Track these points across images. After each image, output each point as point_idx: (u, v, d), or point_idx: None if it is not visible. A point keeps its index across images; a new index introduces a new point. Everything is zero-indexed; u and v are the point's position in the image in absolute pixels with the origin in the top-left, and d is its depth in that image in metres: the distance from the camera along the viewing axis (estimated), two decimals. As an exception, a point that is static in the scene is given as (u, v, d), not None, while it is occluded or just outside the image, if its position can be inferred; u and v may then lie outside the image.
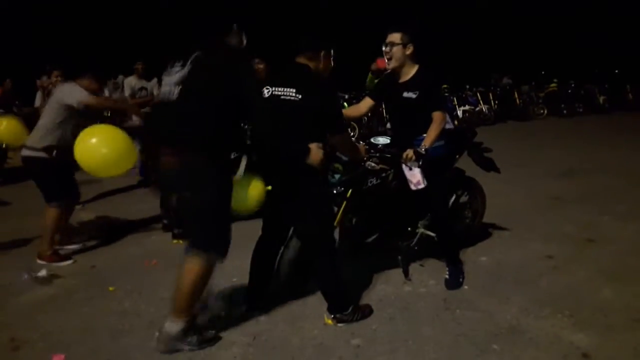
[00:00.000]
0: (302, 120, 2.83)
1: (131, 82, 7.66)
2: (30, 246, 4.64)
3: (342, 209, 3.45)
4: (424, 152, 3.21)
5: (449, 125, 3.64)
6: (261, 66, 5.97)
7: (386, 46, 3.33)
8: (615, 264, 3.86)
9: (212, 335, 2.85)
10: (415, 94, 3.31)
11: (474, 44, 18.93)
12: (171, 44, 2.97)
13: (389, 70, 3.54)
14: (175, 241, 4.63)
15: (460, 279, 3.59)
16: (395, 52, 3.31)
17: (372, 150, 3.60)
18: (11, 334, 3.01)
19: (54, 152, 4.11)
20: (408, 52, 3.33)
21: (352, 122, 8.50)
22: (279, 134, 2.68)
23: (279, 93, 2.88)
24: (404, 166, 3.33)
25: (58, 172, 4.21)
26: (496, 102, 14.70)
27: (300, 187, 2.87)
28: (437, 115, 3.29)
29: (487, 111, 14.05)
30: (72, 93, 4.10)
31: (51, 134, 4.11)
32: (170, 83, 2.64)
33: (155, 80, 7.51)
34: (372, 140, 3.70)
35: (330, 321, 3.06)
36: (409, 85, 3.36)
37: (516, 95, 15.29)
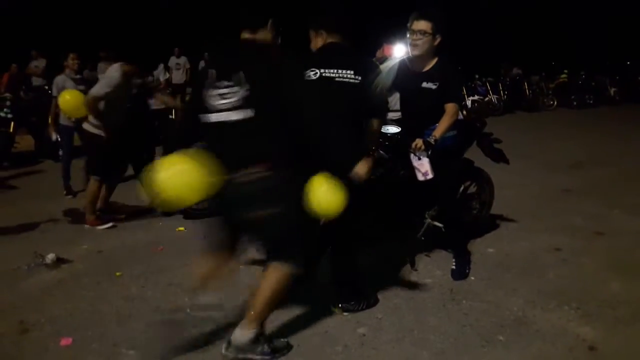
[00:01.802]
0: (358, 105, 2.74)
1: None
2: (37, 230, 4.67)
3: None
4: (433, 143, 3.15)
5: (459, 116, 3.60)
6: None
7: (414, 33, 3.19)
8: (624, 257, 3.83)
9: (284, 345, 2.70)
10: (436, 85, 3.23)
11: (483, 33, 18.75)
12: (204, 46, 2.78)
13: (402, 60, 3.46)
14: (180, 228, 4.65)
15: (467, 270, 3.58)
16: (425, 41, 3.18)
17: (381, 140, 3.57)
18: (20, 317, 3.04)
19: (111, 133, 4.55)
20: (436, 42, 3.23)
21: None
22: (331, 120, 2.42)
23: (333, 75, 2.75)
24: (412, 156, 3.29)
25: (109, 152, 4.63)
26: (505, 92, 14.54)
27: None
28: (450, 107, 3.23)
29: (496, 101, 13.92)
30: (101, 82, 4.51)
31: (107, 115, 4.50)
32: (222, 103, 2.39)
33: (161, 66, 7.48)
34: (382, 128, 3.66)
35: (337, 309, 3.06)
36: (430, 75, 3.27)
37: (526, 86, 15.13)
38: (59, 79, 5.96)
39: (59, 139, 6.49)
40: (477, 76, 14.55)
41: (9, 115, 7.67)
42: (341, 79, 2.74)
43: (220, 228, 2.67)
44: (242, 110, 2.36)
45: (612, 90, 16.26)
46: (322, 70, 2.75)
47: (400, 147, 3.52)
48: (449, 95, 3.25)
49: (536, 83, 15.59)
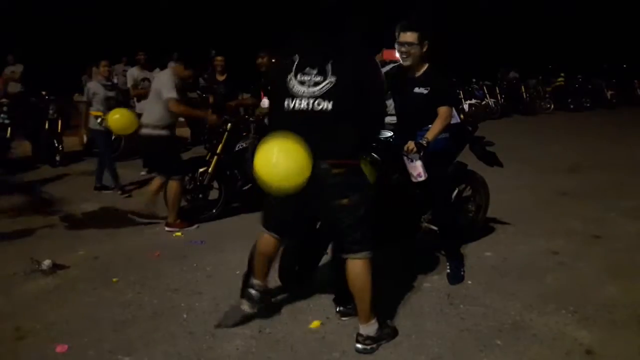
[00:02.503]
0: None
1: (134, 73, 7.66)
2: (34, 236, 4.66)
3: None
4: (425, 145, 3.21)
5: (455, 120, 3.62)
6: (264, 59, 5.98)
7: (402, 45, 3.31)
8: (621, 260, 3.83)
9: (393, 325, 2.92)
10: (427, 89, 3.33)
11: (480, 37, 18.79)
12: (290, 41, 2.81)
13: (396, 65, 3.51)
14: (177, 234, 4.64)
15: (462, 273, 3.58)
16: (414, 52, 3.30)
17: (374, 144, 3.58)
18: (15, 324, 3.02)
19: (173, 130, 4.78)
20: (424, 49, 3.34)
21: None
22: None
23: None
24: (405, 158, 3.32)
25: (176, 148, 4.91)
26: (502, 96, 14.58)
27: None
28: (442, 110, 3.30)
29: (493, 105, 13.95)
30: (165, 84, 4.63)
31: (166, 113, 4.64)
32: (309, 91, 2.55)
33: (157, 70, 7.50)
34: None
35: (336, 314, 3.05)
36: (421, 81, 3.37)
37: (523, 89, 15.17)
38: (91, 85, 6.20)
39: (89, 142, 7.01)
40: (474, 80, 14.58)
41: (6, 121, 7.66)
42: None
43: (284, 214, 2.81)
44: (326, 101, 2.52)
45: (609, 94, 16.30)
46: None
47: (393, 151, 3.52)
48: (440, 98, 3.33)
49: (533, 86, 15.64)
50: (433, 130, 3.27)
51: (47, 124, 7.91)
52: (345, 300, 3.05)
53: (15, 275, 3.76)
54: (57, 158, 7.88)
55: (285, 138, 2.45)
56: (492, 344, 2.76)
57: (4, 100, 8.19)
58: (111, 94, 6.15)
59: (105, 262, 4.04)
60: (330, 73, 2.53)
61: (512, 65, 16.04)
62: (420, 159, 3.26)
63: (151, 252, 4.20)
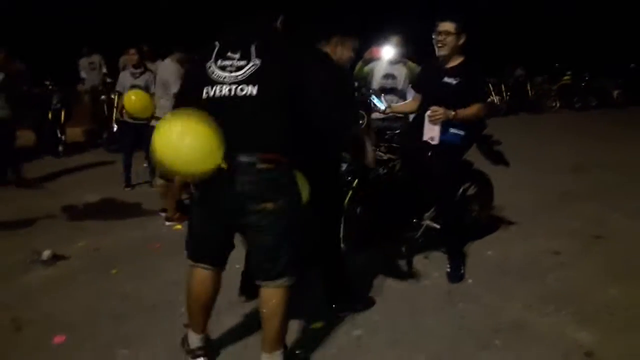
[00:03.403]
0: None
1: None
2: (34, 227, 4.67)
3: (348, 198, 3.42)
4: (451, 116, 3.28)
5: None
6: None
7: (439, 34, 3.37)
8: (623, 261, 3.80)
9: (306, 356, 2.64)
10: (456, 80, 3.37)
11: (486, 34, 18.71)
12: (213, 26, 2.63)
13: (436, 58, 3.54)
14: (177, 226, 4.64)
15: (462, 271, 3.56)
16: (449, 41, 3.36)
17: (380, 141, 3.58)
18: (13, 315, 3.02)
19: None
20: (460, 42, 3.40)
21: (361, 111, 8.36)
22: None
23: None
24: (427, 118, 3.37)
25: None
26: (508, 93, 14.50)
27: (318, 175, 2.59)
28: (478, 105, 3.40)
29: (499, 102, 13.89)
30: (172, 76, 4.70)
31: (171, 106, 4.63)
32: (231, 76, 2.20)
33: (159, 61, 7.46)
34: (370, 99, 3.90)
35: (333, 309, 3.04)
36: (453, 72, 3.41)
37: (529, 87, 15.09)
38: (122, 76, 6.23)
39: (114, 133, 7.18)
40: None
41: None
42: None
43: (204, 232, 2.35)
44: (250, 86, 2.17)
45: (616, 93, 16.17)
46: None
47: (398, 148, 3.51)
48: (476, 95, 3.44)
49: (539, 84, 15.53)
50: (465, 111, 3.33)
51: (50, 115, 7.93)
52: (342, 296, 3.05)
53: (15, 265, 3.77)
54: (60, 149, 7.92)
55: (188, 115, 2.09)
56: (491, 344, 2.75)
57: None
58: (138, 82, 5.98)
59: (105, 254, 4.05)
60: (254, 55, 2.19)
61: (518, 62, 15.93)
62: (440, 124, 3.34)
63: (151, 244, 4.20)
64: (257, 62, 2.19)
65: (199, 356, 2.47)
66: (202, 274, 2.37)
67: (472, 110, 3.37)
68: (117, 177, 6.24)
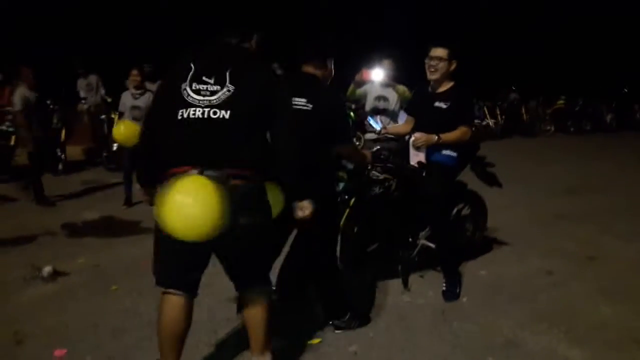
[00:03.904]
0: (312, 130, 2.77)
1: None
2: (34, 243, 4.71)
3: (344, 217, 3.49)
4: (435, 140, 3.41)
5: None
6: (279, 72, 6.05)
7: (432, 60, 3.49)
8: (615, 282, 3.87)
9: None
10: (447, 104, 3.49)
11: (481, 57, 18.97)
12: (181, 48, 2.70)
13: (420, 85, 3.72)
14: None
15: (458, 291, 3.61)
16: (441, 67, 3.48)
17: (377, 160, 3.65)
18: (15, 329, 3.05)
19: None
20: (452, 67, 3.52)
21: (357, 132, 8.47)
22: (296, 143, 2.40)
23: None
24: (411, 145, 3.50)
25: None
26: (503, 117, 14.69)
27: (313, 194, 2.59)
28: (463, 129, 3.50)
29: (493, 126, 14.05)
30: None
31: None
32: (205, 100, 2.25)
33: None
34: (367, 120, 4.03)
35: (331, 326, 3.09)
36: (443, 96, 3.53)
37: (523, 111, 15.29)
38: (123, 96, 6.29)
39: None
40: (474, 100, 14.67)
41: (10, 129, 7.74)
42: (296, 106, 2.73)
43: (186, 256, 2.28)
44: (222, 110, 2.22)
45: (609, 117, 16.44)
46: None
47: (394, 168, 3.59)
48: (463, 118, 3.52)
49: (534, 108, 15.75)
50: (449, 136, 3.45)
51: (50, 133, 8.00)
52: (338, 313, 3.10)
53: (15, 281, 3.80)
54: (60, 167, 7.98)
55: (192, 183, 2.07)
56: (484, 361, 2.80)
57: (8, 108, 8.28)
58: (138, 102, 6.08)
59: (105, 270, 4.08)
60: (228, 81, 2.27)
61: (512, 86, 16.18)
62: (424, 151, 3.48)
63: (150, 261, 4.23)
64: (231, 88, 2.26)
65: None
66: (175, 301, 2.28)
67: (456, 134, 3.48)
68: (116, 195, 6.31)
